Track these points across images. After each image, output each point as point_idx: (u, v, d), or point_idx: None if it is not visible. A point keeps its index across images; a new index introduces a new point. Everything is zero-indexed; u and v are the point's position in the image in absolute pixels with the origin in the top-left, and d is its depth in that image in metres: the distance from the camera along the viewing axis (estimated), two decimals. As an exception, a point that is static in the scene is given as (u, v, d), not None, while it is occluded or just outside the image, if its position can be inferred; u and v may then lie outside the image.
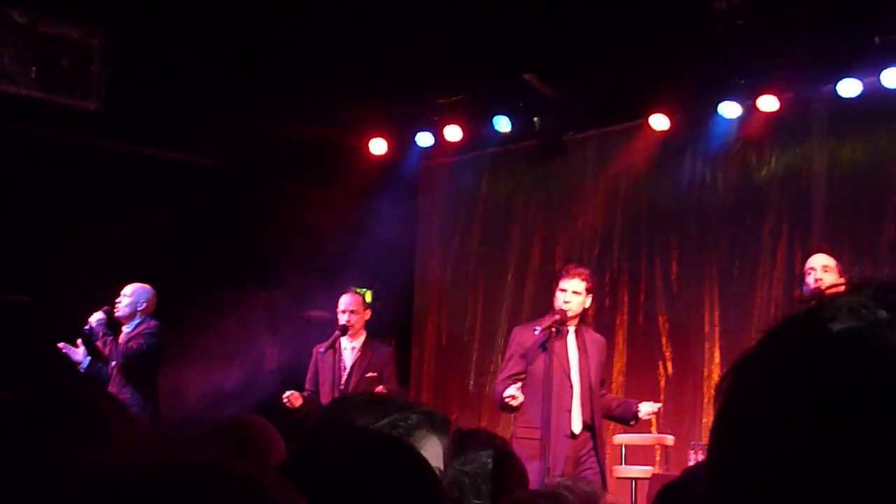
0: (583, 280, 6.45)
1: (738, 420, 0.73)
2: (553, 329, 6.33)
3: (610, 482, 7.03)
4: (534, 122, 8.93)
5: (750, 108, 8.03)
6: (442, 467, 2.02)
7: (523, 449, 5.95)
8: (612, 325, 8.80)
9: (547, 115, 8.82)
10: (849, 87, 7.53)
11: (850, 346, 0.70)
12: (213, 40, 8.07)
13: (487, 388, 9.09)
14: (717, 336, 8.36)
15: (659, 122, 8.42)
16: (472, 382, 9.60)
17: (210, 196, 8.94)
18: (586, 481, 2.31)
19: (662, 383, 8.56)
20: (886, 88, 7.42)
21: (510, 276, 9.58)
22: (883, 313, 0.71)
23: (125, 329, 7.47)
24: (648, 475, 7.13)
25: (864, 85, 7.50)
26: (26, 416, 1.49)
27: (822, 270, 6.24)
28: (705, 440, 5.89)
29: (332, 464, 1.52)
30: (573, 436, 6.34)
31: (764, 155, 8.32)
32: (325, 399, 7.39)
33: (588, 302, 6.57)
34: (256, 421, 3.40)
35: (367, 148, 9.54)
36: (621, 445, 7.64)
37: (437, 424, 2.04)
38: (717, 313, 8.39)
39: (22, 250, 8.01)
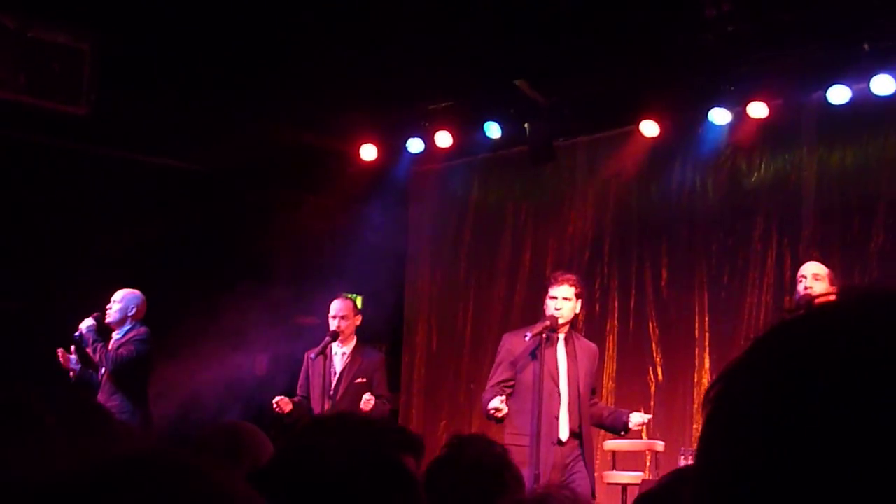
0: (571, 286, 6.44)
1: (726, 429, 0.73)
2: (544, 336, 6.33)
3: (600, 488, 7.02)
4: (524, 128, 8.92)
5: (740, 115, 8.05)
6: None
7: (513, 455, 5.93)
8: (603, 331, 8.81)
9: (537, 122, 8.82)
10: (838, 94, 7.56)
11: (838, 355, 0.70)
12: (204, 46, 8.06)
13: (478, 393, 9.08)
14: (707, 342, 8.37)
15: (649, 128, 8.43)
16: (462, 388, 9.59)
17: (200, 202, 8.93)
18: (570, 489, 2.31)
19: (653, 389, 8.57)
20: (875, 95, 7.44)
21: (501, 282, 9.58)
22: (871, 322, 0.72)
23: (115, 335, 7.42)
24: (638, 481, 7.14)
25: (854, 92, 7.52)
26: None
27: (812, 279, 6.26)
28: (695, 446, 5.89)
29: (313, 466, 1.52)
30: (560, 443, 6.34)
31: (754, 161, 8.35)
32: (315, 404, 7.38)
33: (578, 307, 6.57)
34: (248, 428, 3.39)
35: (358, 154, 9.53)
36: (612, 451, 7.64)
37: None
38: (707, 319, 8.40)
39: (11, 255, 7.99)
